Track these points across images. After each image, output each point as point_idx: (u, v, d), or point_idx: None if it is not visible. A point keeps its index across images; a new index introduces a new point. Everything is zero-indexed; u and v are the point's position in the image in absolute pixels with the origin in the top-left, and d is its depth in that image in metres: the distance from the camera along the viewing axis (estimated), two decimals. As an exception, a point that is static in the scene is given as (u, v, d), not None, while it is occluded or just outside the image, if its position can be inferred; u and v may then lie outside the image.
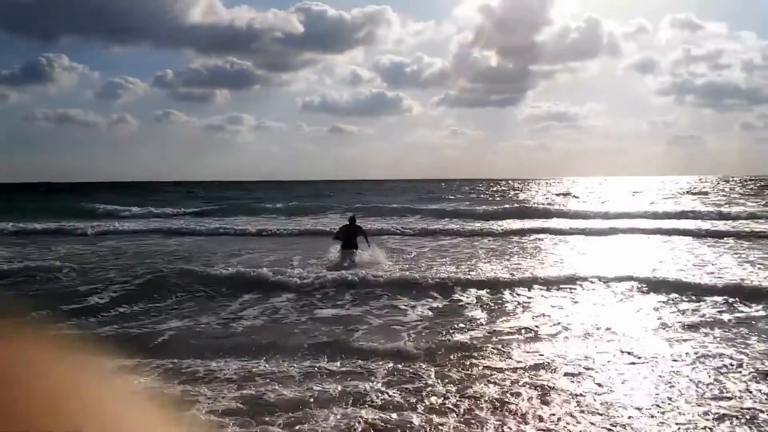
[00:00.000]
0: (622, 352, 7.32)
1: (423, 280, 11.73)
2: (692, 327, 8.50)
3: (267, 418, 5.24)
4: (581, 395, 5.90)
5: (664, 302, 9.97)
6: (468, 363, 6.90)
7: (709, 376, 6.36)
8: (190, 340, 8.25)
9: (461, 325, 8.80)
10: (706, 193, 53.18)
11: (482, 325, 8.81)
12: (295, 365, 6.81)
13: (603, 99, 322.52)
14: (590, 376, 6.48)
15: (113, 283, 12.07)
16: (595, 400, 5.79)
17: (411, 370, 6.61)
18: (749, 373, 6.42)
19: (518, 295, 10.68)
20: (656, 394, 5.92)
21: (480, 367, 6.74)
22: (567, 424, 5.24)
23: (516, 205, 36.69)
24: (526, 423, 5.25)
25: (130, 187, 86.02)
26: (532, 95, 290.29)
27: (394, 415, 5.36)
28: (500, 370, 6.64)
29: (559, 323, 8.84)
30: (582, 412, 5.50)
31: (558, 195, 56.34)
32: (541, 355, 7.22)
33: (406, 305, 10.03)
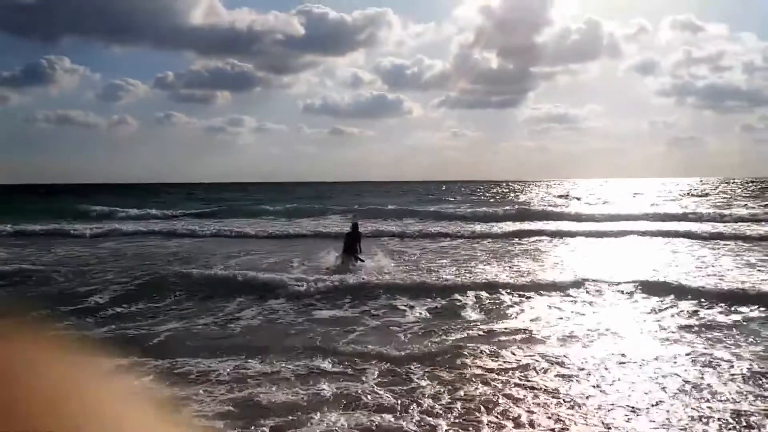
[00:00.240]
0: (617, 354, 7.30)
1: (421, 282, 11.71)
2: (688, 330, 8.49)
3: (257, 422, 5.22)
4: (575, 397, 5.89)
5: (662, 305, 9.94)
6: (463, 365, 6.88)
7: (703, 378, 6.35)
8: (186, 341, 8.24)
9: (457, 327, 8.79)
10: (707, 195, 53.14)
11: (479, 327, 8.79)
12: (289, 366, 6.80)
13: (603, 100, 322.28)
14: (585, 377, 6.47)
15: (111, 285, 12.07)
16: (590, 401, 5.77)
17: (405, 372, 6.60)
18: (740, 375, 6.42)
19: (516, 297, 10.65)
20: (650, 396, 5.91)
21: (474, 369, 6.73)
22: (562, 425, 5.24)
23: (516, 206, 36.64)
24: (519, 425, 5.24)
25: (131, 189, 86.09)
26: (533, 97, 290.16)
27: (389, 417, 5.36)
28: (494, 372, 6.62)
29: (556, 325, 8.84)
30: (576, 413, 5.49)
31: (558, 197, 56.30)
32: (536, 356, 7.19)
33: (403, 307, 10.02)
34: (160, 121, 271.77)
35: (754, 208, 35.08)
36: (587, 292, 10.91)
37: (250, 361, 7.05)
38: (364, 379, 6.39)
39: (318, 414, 5.40)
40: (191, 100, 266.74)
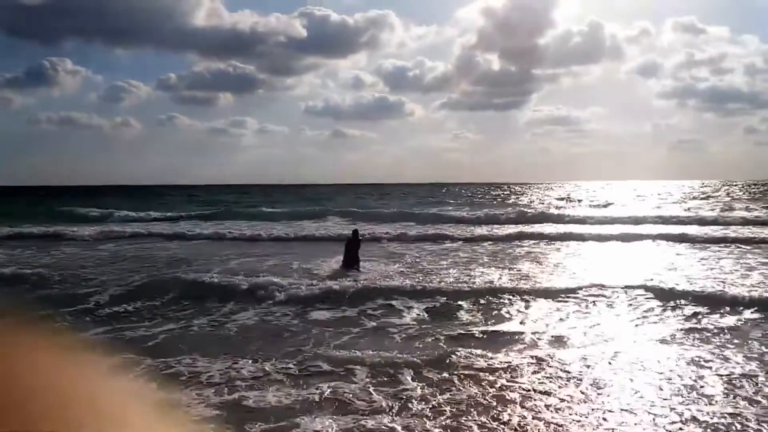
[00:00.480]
0: (612, 357, 7.29)
1: (419, 285, 11.67)
2: (685, 332, 8.46)
3: (246, 426, 5.20)
4: (568, 400, 5.86)
5: (661, 308, 9.89)
6: (456, 368, 6.85)
7: (697, 381, 6.34)
8: (180, 343, 8.23)
9: (453, 330, 8.77)
10: (708, 198, 53.02)
11: (475, 330, 8.76)
12: (281, 368, 6.80)
13: (605, 103, 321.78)
14: (578, 380, 6.44)
15: (108, 288, 12.04)
16: (583, 404, 5.76)
17: (397, 375, 6.58)
18: (734, 377, 6.41)
19: (514, 300, 10.60)
20: (643, 398, 5.89)
21: (467, 371, 6.69)
22: (554, 427, 5.22)
23: (517, 209, 36.60)
24: (510, 428, 5.22)
25: (133, 191, 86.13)
26: (535, 99, 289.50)
27: (380, 420, 5.34)
28: (486, 374, 6.59)
29: (552, 328, 8.81)
30: (569, 416, 5.47)
31: (560, 199, 56.23)
32: (530, 359, 7.17)
33: (400, 310, 9.99)
34: (162, 123, 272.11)
35: (756, 210, 35.00)
36: (585, 295, 10.83)
37: (242, 362, 7.04)
38: (356, 381, 6.37)
39: (308, 417, 5.37)
40: (193, 102, 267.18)
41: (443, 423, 5.30)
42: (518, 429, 5.22)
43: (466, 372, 6.67)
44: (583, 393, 6.07)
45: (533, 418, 5.43)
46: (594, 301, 10.46)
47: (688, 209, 36.59)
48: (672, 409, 5.62)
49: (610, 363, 7.06)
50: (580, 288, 11.20)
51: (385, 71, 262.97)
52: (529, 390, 6.11)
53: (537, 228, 25.27)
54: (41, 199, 56.48)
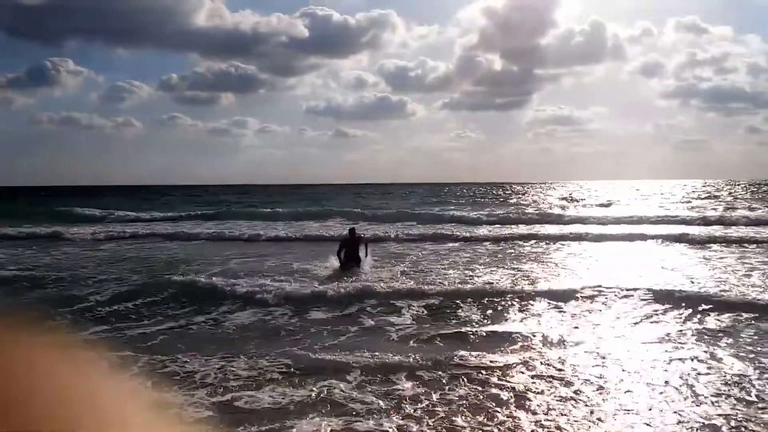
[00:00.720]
0: (609, 358, 7.29)
1: (418, 286, 11.65)
2: (683, 335, 8.44)
3: (239, 428, 5.18)
4: (563, 401, 5.85)
5: (661, 310, 9.80)
6: (454, 367, 6.84)
7: (690, 383, 6.33)
8: (177, 343, 8.24)
9: (452, 329, 8.77)
10: (711, 198, 52.86)
11: (472, 330, 8.74)
12: (276, 368, 6.80)
13: (608, 102, 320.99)
14: (574, 382, 6.43)
15: (106, 288, 12.04)
16: (578, 405, 5.74)
17: (391, 376, 6.57)
18: (729, 380, 6.39)
19: (513, 301, 10.56)
20: (637, 400, 5.88)
21: (463, 372, 6.68)
22: (550, 428, 5.20)
23: (519, 209, 36.54)
24: (503, 429, 5.20)
25: (135, 191, 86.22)
26: (537, 99, 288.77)
27: (373, 421, 5.34)
28: (479, 375, 6.58)
29: (551, 329, 8.78)
30: (565, 416, 5.45)
31: (562, 199, 56.11)
32: (527, 359, 7.16)
33: (397, 310, 9.95)
34: (164, 123, 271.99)
35: (760, 209, 34.89)
36: (585, 296, 10.77)
37: (237, 361, 7.07)
38: (351, 381, 6.38)
39: (301, 419, 5.36)
40: (195, 102, 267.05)
41: (438, 423, 5.30)
42: (513, 430, 5.20)
43: (463, 372, 6.66)
44: (579, 394, 6.05)
45: (528, 419, 5.42)
46: (593, 302, 10.41)
47: (692, 209, 36.47)
48: (667, 410, 5.61)
49: (606, 364, 7.05)
50: (580, 289, 11.15)
51: (387, 71, 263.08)
52: (525, 391, 6.10)
53: (538, 228, 25.22)
54: (42, 199, 56.53)
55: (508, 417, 5.45)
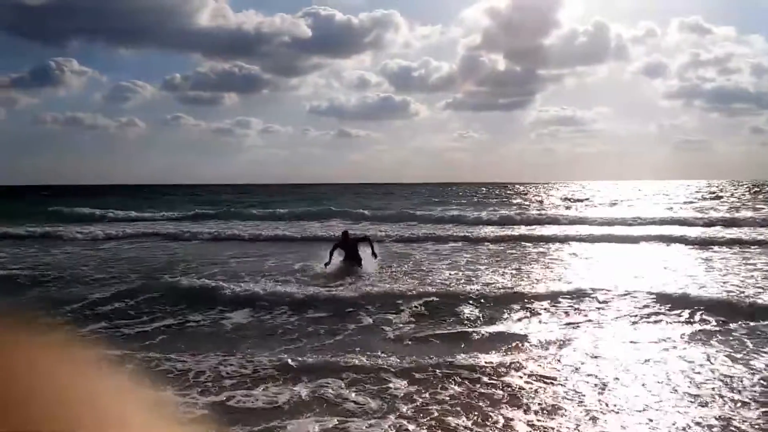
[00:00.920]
0: (605, 357, 7.29)
1: (419, 286, 11.63)
2: (680, 338, 8.43)
3: (233, 428, 5.18)
4: (561, 400, 5.85)
5: (661, 313, 9.73)
6: (450, 368, 6.82)
7: (684, 385, 6.34)
8: (175, 342, 8.24)
9: (449, 330, 8.77)
10: (716, 198, 52.67)
11: (471, 330, 8.74)
12: (270, 368, 6.79)
13: (611, 103, 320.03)
14: (568, 383, 6.42)
15: (108, 287, 12.06)
16: (570, 406, 5.73)
17: (390, 375, 6.56)
18: (713, 380, 6.38)
19: (513, 301, 10.51)
20: (632, 400, 5.88)
21: (459, 372, 6.66)
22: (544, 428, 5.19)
23: (521, 209, 36.43)
24: (496, 429, 5.19)
25: (138, 190, 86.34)
26: (540, 99, 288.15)
27: (366, 422, 5.33)
28: (473, 376, 6.57)
29: (549, 330, 8.77)
30: (559, 417, 5.45)
31: (565, 199, 55.94)
32: (523, 360, 7.14)
33: (394, 311, 9.91)
34: (167, 123, 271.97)
35: (764, 209, 34.73)
36: (584, 298, 10.70)
37: (232, 360, 7.07)
38: (346, 381, 6.37)
39: (294, 419, 5.36)
40: (199, 102, 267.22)
41: (432, 423, 5.30)
42: (507, 430, 5.20)
43: (457, 372, 6.65)
44: (573, 394, 6.05)
45: (521, 418, 5.41)
46: (591, 303, 10.36)
47: (696, 209, 36.28)
48: (662, 411, 5.60)
49: (601, 365, 7.04)
50: (579, 290, 11.11)
51: (390, 71, 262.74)
52: (519, 391, 6.10)
53: (540, 229, 25.13)
54: (44, 198, 56.61)
55: (501, 417, 5.44)
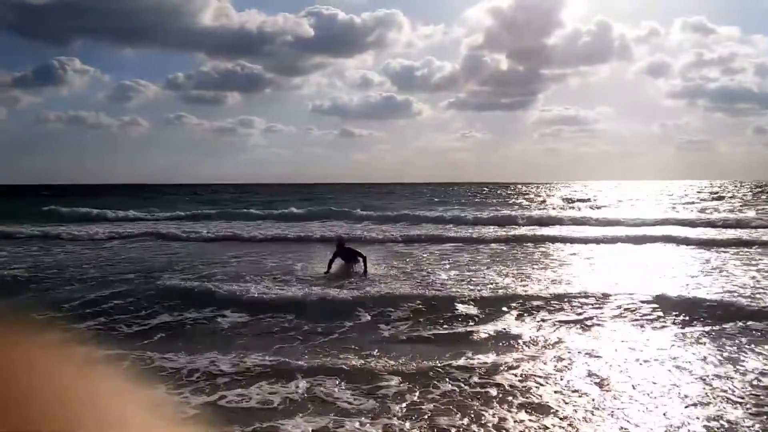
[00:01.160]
0: (596, 359, 7.30)
1: (418, 286, 11.66)
2: (680, 340, 8.45)
3: (227, 428, 5.19)
4: (555, 401, 5.85)
5: (661, 315, 9.67)
6: (444, 368, 6.83)
7: (676, 385, 6.34)
8: (169, 341, 8.26)
9: (447, 330, 8.77)
10: (720, 198, 52.51)
11: (469, 331, 8.74)
12: (265, 367, 6.80)
13: (614, 103, 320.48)
14: (561, 381, 6.43)
15: (108, 287, 12.04)
16: (563, 406, 5.73)
17: (384, 375, 6.57)
18: (707, 381, 6.38)
19: (513, 302, 10.47)
20: (627, 401, 5.89)
21: (454, 373, 6.68)
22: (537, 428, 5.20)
23: (523, 210, 36.36)
24: (488, 429, 5.20)
25: (140, 190, 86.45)
26: (543, 99, 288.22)
27: (359, 421, 5.33)
28: (467, 376, 6.57)
29: (549, 332, 8.75)
30: (554, 417, 5.45)
31: (567, 200, 55.81)
32: (518, 361, 7.14)
33: (395, 311, 9.91)
34: (170, 122, 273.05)
35: (766, 209, 34.60)
36: (584, 299, 10.65)
37: (228, 359, 7.09)
38: (340, 381, 6.38)
39: (287, 418, 5.36)
40: (201, 102, 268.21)
41: (425, 423, 5.32)
42: (499, 430, 5.20)
43: (452, 372, 6.66)
44: (566, 394, 6.05)
45: (514, 418, 5.42)
46: (589, 304, 10.32)
47: (701, 210, 36.15)
48: (656, 411, 5.61)
49: (595, 365, 7.04)
50: (577, 290, 11.09)
51: (393, 71, 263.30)
52: (512, 391, 6.12)
53: (542, 230, 25.07)
54: (45, 198, 56.67)
55: (495, 417, 5.45)
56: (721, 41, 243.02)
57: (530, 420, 5.39)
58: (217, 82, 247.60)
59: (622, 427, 5.28)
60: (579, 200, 53.68)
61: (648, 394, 6.04)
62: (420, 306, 10.16)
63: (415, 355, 7.35)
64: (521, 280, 12.60)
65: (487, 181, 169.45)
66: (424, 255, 17.34)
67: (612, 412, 5.61)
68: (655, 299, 10.27)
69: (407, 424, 5.29)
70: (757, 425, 5.25)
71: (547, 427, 5.25)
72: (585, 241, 21.15)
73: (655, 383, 6.36)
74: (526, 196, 65.96)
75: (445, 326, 9.01)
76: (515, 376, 6.58)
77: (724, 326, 8.75)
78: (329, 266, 13.63)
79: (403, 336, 8.49)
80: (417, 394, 6.02)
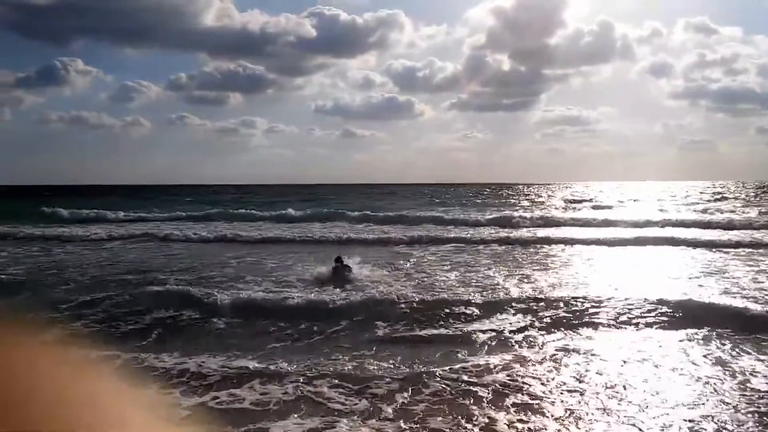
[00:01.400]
0: (589, 360, 7.29)
1: (414, 287, 11.67)
2: (679, 341, 8.42)
3: (219, 429, 5.20)
4: (549, 401, 5.85)
5: (655, 312, 9.68)
6: (434, 368, 6.82)
7: (669, 387, 6.36)
8: (166, 342, 8.29)
9: (441, 330, 8.79)
10: (722, 199, 52.37)
11: (467, 331, 8.73)
12: (249, 367, 6.81)
13: (616, 103, 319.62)
14: (554, 382, 6.42)
15: (107, 287, 12.03)
16: (555, 407, 5.73)
17: (373, 375, 6.57)
18: (700, 383, 6.39)
19: (513, 303, 10.44)
20: (622, 401, 5.88)
21: (449, 373, 6.66)
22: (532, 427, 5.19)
23: (524, 211, 36.28)
24: (486, 428, 5.21)
25: (142, 190, 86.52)
26: (545, 99, 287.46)
27: (352, 421, 5.33)
28: (462, 373, 6.57)
29: (546, 332, 8.76)
30: (547, 417, 5.44)
31: (569, 201, 55.66)
32: (506, 361, 7.14)
33: (393, 311, 9.88)
34: (172, 123, 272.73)
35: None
36: (579, 300, 10.61)
37: (222, 359, 7.11)
38: (330, 381, 6.38)
39: (280, 419, 5.37)
40: (204, 102, 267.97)
41: (416, 423, 5.32)
42: (492, 430, 5.20)
43: (445, 373, 6.64)
44: (558, 395, 6.05)
45: (505, 419, 5.42)
46: (588, 305, 10.27)
47: (703, 211, 36.01)
48: (650, 411, 5.61)
49: (588, 367, 7.04)
50: (578, 292, 11.06)
51: (395, 71, 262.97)
52: (503, 391, 6.11)
53: (543, 231, 24.99)
54: (46, 198, 56.72)
55: (484, 417, 5.44)
56: (723, 42, 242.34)
57: (520, 421, 5.38)
58: (219, 83, 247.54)
59: (616, 428, 5.26)
60: (580, 201, 53.57)
61: (644, 396, 6.02)
62: (416, 307, 10.13)
63: (408, 356, 7.35)
64: (520, 281, 12.57)
65: (488, 182, 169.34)
66: (425, 256, 17.30)
67: (606, 412, 5.60)
68: (655, 300, 10.21)
69: (399, 425, 5.28)
70: (751, 426, 5.24)
71: (539, 428, 5.24)
72: (586, 242, 21.07)
73: (650, 385, 6.33)
74: (528, 197, 65.88)
75: (440, 327, 9.00)
76: (508, 376, 6.57)
77: (724, 328, 8.69)
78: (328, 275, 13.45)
79: (398, 337, 8.47)
80: (408, 394, 6.02)
